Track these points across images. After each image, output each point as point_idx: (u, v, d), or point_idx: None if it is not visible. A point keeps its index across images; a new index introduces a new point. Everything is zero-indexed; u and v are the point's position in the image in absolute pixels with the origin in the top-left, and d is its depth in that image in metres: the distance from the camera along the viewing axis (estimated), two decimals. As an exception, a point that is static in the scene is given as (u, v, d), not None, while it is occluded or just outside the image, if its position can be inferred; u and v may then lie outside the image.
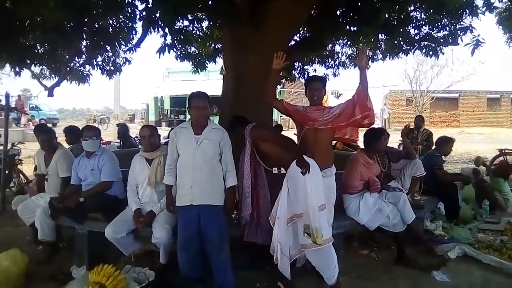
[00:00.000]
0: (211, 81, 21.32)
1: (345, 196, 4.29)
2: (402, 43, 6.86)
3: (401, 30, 6.40)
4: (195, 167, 3.38)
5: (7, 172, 7.07)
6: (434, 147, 6.23)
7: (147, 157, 4.00)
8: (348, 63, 9.45)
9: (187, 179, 3.41)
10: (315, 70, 9.72)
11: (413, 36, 6.78)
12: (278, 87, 17.57)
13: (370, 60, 8.67)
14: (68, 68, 7.64)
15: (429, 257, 4.36)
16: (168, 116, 28.90)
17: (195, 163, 3.38)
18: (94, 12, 5.44)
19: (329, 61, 9.38)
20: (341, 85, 25.18)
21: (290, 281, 3.62)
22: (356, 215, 4.19)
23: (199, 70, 8.45)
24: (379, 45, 7.74)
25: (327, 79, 9.84)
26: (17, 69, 6.75)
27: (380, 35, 6.70)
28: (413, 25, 6.69)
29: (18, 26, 5.58)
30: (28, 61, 6.74)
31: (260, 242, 3.76)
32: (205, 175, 3.39)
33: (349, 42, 8.33)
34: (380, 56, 8.42)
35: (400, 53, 7.24)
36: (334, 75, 9.76)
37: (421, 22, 6.79)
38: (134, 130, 5.41)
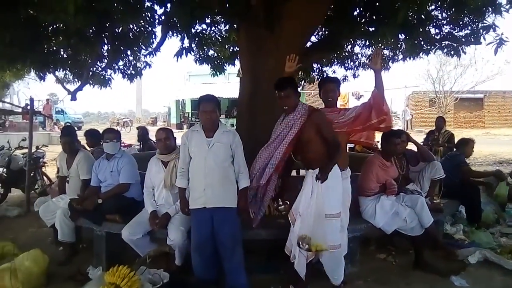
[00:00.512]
0: (231, 83, 21.45)
1: (361, 198, 4.23)
2: (422, 43, 6.72)
3: (421, 29, 6.27)
4: (207, 170, 3.40)
5: (32, 174, 7.29)
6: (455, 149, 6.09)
7: (163, 160, 4.04)
8: (368, 64, 9.34)
9: (200, 182, 3.44)
10: (334, 72, 9.65)
11: (433, 35, 6.63)
12: (298, 89, 17.60)
13: (390, 61, 8.54)
14: (90, 73, 7.81)
15: (448, 262, 4.26)
16: (189, 119, 29.14)
17: (207, 166, 3.40)
18: (115, 17, 5.54)
19: (349, 62, 9.29)
20: (361, 87, 24.87)
21: (304, 283, 3.61)
22: (372, 219, 4.14)
23: (218, 73, 8.50)
24: (399, 45, 7.62)
25: (341, 81, 9.77)
26: (41, 74, 6.96)
27: (399, 35, 6.59)
28: (434, 24, 6.54)
29: (42, 32, 5.75)
30: (52, 66, 6.93)
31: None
32: (218, 177, 3.41)
33: (368, 43, 8.23)
34: (401, 56, 8.29)
35: (421, 53, 7.11)
36: (354, 76, 9.66)
37: (442, 21, 6.64)
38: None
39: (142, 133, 8.99)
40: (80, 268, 4.13)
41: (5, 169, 7.46)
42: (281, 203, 3.68)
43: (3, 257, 4.09)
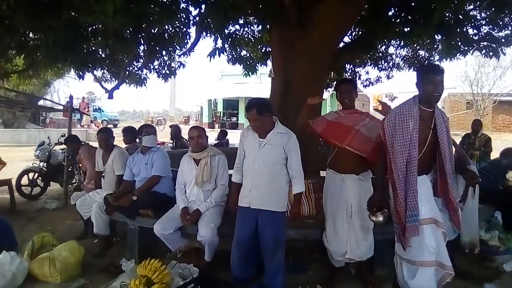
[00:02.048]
0: (263, 84, 21.50)
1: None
2: (459, 43, 6.55)
3: (458, 30, 6.11)
4: (255, 171, 3.40)
5: (69, 169, 7.59)
6: (499, 156, 5.87)
7: (195, 158, 4.13)
8: (403, 64, 9.18)
9: (248, 182, 3.46)
10: (367, 73, 9.56)
11: (471, 36, 6.45)
12: (330, 89, 17.41)
13: (426, 62, 8.36)
14: (127, 72, 8.06)
15: (482, 268, 4.14)
16: (221, 118, 29.46)
17: (256, 167, 3.40)
18: (151, 18, 5.69)
19: (382, 63, 9.17)
20: (395, 88, 24.41)
21: (334, 278, 3.68)
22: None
23: (250, 73, 8.57)
24: (435, 46, 7.45)
25: (374, 82, 9.63)
26: (80, 72, 7.23)
27: (435, 35, 6.44)
28: (472, 24, 6.36)
29: (82, 33, 5.98)
30: (91, 65, 7.20)
31: None
32: (265, 179, 3.38)
33: (403, 43, 8.09)
34: (437, 57, 8.11)
35: (458, 54, 6.92)
36: (388, 77, 9.53)
37: (480, 21, 6.45)
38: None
39: (175, 131, 9.19)
40: (113, 260, 4.28)
41: (45, 164, 7.81)
42: (380, 210, 3.11)
43: (42, 246, 4.28)
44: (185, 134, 9.71)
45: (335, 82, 9.78)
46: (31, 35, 6.30)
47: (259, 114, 3.38)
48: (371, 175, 3.68)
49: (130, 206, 4.26)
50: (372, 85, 9.90)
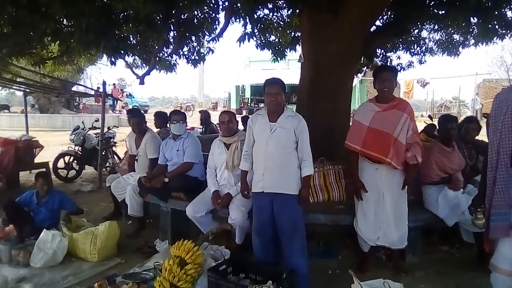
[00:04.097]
0: (291, 69, 21.32)
1: (424, 188, 4.11)
2: (497, 27, 6.28)
3: (496, 12, 5.86)
4: (267, 154, 3.37)
5: (103, 153, 7.83)
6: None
7: (225, 142, 4.17)
8: (436, 49, 8.88)
9: (260, 166, 3.43)
10: (399, 57, 9.30)
11: (509, 18, 6.19)
12: (360, 75, 17.09)
13: (460, 46, 8.07)
14: (157, 58, 8.16)
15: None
16: (249, 104, 29.46)
17: (268, 150, 3.37)
18: (181, 4, 5.72)
19: (415, 47, 8.89)
20: (427, 73, 23.70)
21: (364, 264, 3.67)
22: (434, 209, 4.01)
23: (279, 58, 8.50)
24: (470, 29, 7.18)
25: (406, 67, 9.37)
26: (112, 58, 7.37)
27: (471, 18, 6.21)
28: (510, 6, 6.09)
29: (113, 19, 6.08)
30: (122, 51, 7.32)
31: None
32: (277, 163, 3.35)
33: (437, 27, 7.83)
34: (472, 41, 7.81)
35: (495, 38, 6.65)
36: (420, 62, 9.24)
37: (520, 3, 6.17)
38: (217, 118, 5.68)
39: (205, 116, 9.30)
40: (147, 241, 4.42)
41: (80, 148, 8.08)
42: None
43: (78, 227, 4.47)
44: (214, 120, 9.85)
45: (367, 68, 9.69)
46: (65, 21, 6.45)
47: (283, 89, 3.41)
48: None
49: (162, 189, 4.38)
50: (403, 70, 9.64)
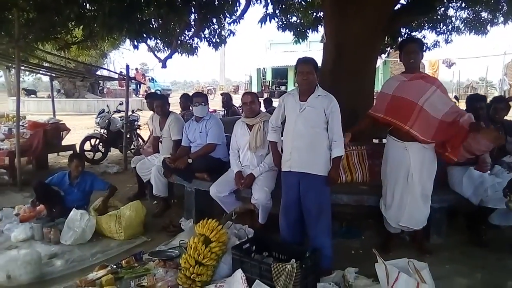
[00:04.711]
0: (313, 51, 20.99)
1: (449, 168, 4.03)
2: (529, 3, 6.05)
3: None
4: (295, 133, 3.36)
5: (128, 135, 7.98)
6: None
7: (248, 123, 4.19)
8: (463, 28, 8.60)
9: (288, 145, 3.42)
10: (424, 37, 9.05)
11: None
12: (383, 56, 16.76)
13: (489, 24, 7.78)
14: (179, 41, 8.19)
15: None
16: (270, 87, 29.37)
17: (296, 129, 3.35)
18: (201, -15, 5.71)
19: (441, 26, 8.63)
20: (454, 53, 22.97)
21: (388, 245, 3.70)
22: (459, 188, 3.94)
23: (300, 40, 8.42)
24: (499, 6, 6.92)
25: (431, 47, 9.12)
26: (135, 42, 7.44)
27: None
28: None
29: (135, 3, 6.12)
30: (144, 35, 7.38)
31: None
32: (305, 142, 3.32)
33: (464, 4, 7.57)
34: (501, 19, 7.53)
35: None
36: (446, 41, 8.98)
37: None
38: (239, 101, 5.73)
39: (226, 99, 9.34)
40: (172, 220, 4.52)
41: (105, 130, 8.26)
42: None
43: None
44: (236, 103, 9.88)
45: (391, 48, 9.47)
46: (88, 6, 6.53)
47: (315, 68, 3.36)
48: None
49: (186, 169, 4.45)
50: (429, 50, 9.41)
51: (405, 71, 3.62)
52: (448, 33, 8.72)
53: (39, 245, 4.00)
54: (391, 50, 10.46)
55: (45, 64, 9.07)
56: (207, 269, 3.11)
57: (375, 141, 5.91)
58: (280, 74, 29.95)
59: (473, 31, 8.32)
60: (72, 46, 8.92)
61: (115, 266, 3.44)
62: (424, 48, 9.05)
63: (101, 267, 3.44)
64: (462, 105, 4.29)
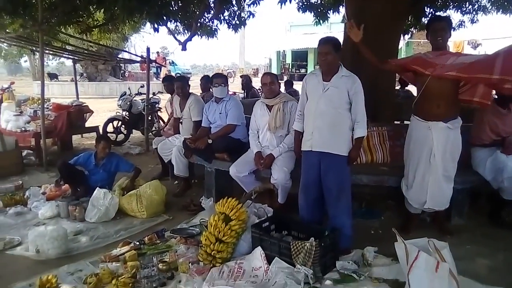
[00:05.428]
0: (334, 33, 20.69)
1: (473, 149, 3.96)
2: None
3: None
4: (317, 113, 3.33)
5: (149, 118, 8.10)
6: None
7: (268, 104, 4.19)
8: (490, 7, 8.30)
9: (310, 125, 3.40)
10: (449, 16, 8.79)
11: None
12: (406, 37, 16.35)
13: None
14: (198, 24, 8.18)
15: None
16: (290, 70, 29.15)
17: (318, 109, 3.32)
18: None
19: (466, 5, 8.34)
20: (479, 34, 22.19)
21: (408, 225, 3.70)
22: (482, 170, 3.87)
23: (321, 21, 8.28)
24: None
25: (457, 27, 8.85)
26: (155, 25, 7.47)
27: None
28: None
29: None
30: (164, 18, 7.40)
31: None
32: (327, 122, 3.29)
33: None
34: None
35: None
36: (472, 21, 8.70)
37: None
38: (258, 84, 5.77)
39: (246, 81, 9.33)
40: (192, 199, 4.60)
41: (127, 113, 8.39)
42: None
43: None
44: (255, 85, 9.87)
45: (414, 28, 9.24)
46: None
47: (334, 49, 3.29)
48: (460, 122, 3.49)
49: (206, 150, 4.50)
50: (453, 30, 9.14)
51: (432, 50, 3.54)
52: (474, 12, 8.44)
53: (65, 222, 4.14)
54: (414, 31, 10.21)
55: (68, 48, 9.21)
56: (227, 246, 3.17)
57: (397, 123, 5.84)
58: (300, 56, 29.67)
59: (501, 10, 8.04)
60: (93, 29, 9.01)
61: (138, 243, 3.53)
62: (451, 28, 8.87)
63: (124, 243, 3.55)
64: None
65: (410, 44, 24.28)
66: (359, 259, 3.16)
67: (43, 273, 2.95)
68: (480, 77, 3.23)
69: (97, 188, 4.37)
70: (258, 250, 3.10)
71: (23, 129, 6.80)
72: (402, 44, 16.55)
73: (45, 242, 3.38)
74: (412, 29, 9.50)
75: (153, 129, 8.44)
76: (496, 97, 4.02)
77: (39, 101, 7.27)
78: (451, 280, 2.42)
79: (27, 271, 3.16)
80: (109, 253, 3.38)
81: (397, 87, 8.37)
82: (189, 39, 8.48)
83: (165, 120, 7.36)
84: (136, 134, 8.89)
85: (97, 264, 3.22)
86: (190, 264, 3.08)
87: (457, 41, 22.33)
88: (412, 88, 5.64)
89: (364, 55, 3.64)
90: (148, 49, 8.35)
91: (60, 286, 2.89)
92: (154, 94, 8.83)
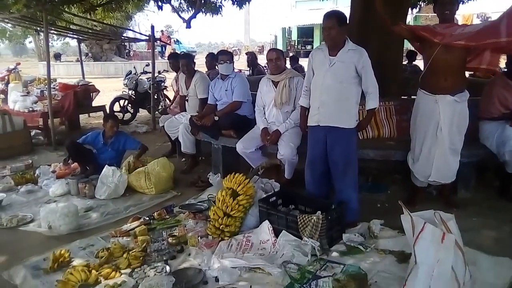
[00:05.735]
0: (339, 8, 20.38)
1: (481, 122, 3.92)
2: None
3: None
4: (323, 88, 3.30)
5: (155, 96, 8.10)
6: None
7: (273, 80, 4.16)
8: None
9: (316, 100, 3.37)
10: (459, -12, 8.60)
11: None
12: (414, 11, 16.03)
13: None
14: (202, 1, 8.09)
15: None
16: (296, 46, 28.86)
17: (324, 84, 3.28)
18: None
19: (476, -23, 8.16)
20: (489, 7, 21.68)
21: (414, 199, 3.73)
22: (488, 143, 3.85)
23: (328, -6, 8.14)
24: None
25: (465, 0, 8.67)
26: (159, 3, 7.41)
27: None
28: None
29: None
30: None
31: None
32: (333, 96, 3.26)
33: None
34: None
35: None
36: (482, -7, 8.51)
37: None
38: (264, 61, 5.73)
39: (252, 58, 9.26)
40: (200, 176, 4.65)
41: (133, 92, 8.40)
42: None
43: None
44: (260, 62, 9.79)
45: (422, 2, 9.07)
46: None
47: (338, 23, 3.21)
48: (468, 96, 3.45)
49: (213, 127, 4.52)
50: (462, 3, 8.96)
51: (440, 23, 3.47)
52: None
53: (75, 200, 4.21)
54: (422, 5, 10.02)
55: (73, 27, 9.16)
56: (235, 220, 3.22)
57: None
58: (305, 33, 29.33)
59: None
60: (97, 8, 8.95)
61: (147, 218, 3.60)
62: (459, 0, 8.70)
63: (134, 219, 3.62)
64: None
65: (418, 18, 23.84)
66: (365, 232, 3.20)
67: (56, 248, 3.03)
68: (489, 43, 3.19)
69: (106, 165, 4.42)
70: (266, 224, 3.15)
71: (30, 109, 6.86)
72: (410, 18, 16.24)
73: (57, 219, 3.45)
74: (420, 2, 9.31)
75: (160, 107, 8.45)
76: (506, 69, 3.97)
77: (46, 82, 7.29)
78: (456, 251, 2.44)
79: (40, 246, 3.24)
80: (120, 228, 3.45)
81: (405, 62, 8.28)
82: (193, 16, 8.43)
83: (171, 98, 7.38)
84: (142, 112, 8.92)
85: (108, 239, 3.30)
86: (199, 238, 3.14)
87: (466, 14, 21.88)
88: (420, 63, 5.59)
89: (378, 10, 3.60)
90: (152, 28, 8.28)
91: (73, 260, 2.97)
92: (159, 72, 8.82)
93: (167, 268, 2.74)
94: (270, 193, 3.55)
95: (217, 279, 2.62)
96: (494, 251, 2.93)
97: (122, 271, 2.77)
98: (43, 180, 4.76)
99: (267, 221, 3.17)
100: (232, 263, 2.74)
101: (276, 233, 3.08)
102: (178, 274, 2.67)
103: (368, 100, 3.33)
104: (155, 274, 2.66)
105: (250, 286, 2.51)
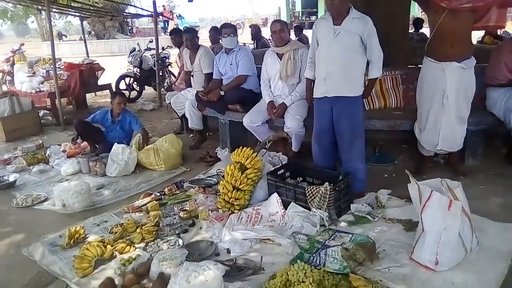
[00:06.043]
0: (345, -24, 19.87)
1: (489, 89, 3.89)
2: None
3: None
4: (329, 58, 3.24)
5: (160, 73, 8.08)
6: None
7: (278, 52, 4.11)
8: None
9: (322, 71, 3.32)
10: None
11: None
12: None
13: None
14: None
15: None
16: (300, 18, 28.33)
17: (330, 54, 3.23)
18: None
19: None
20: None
21: (421, 168, 3.76)
22: (495, 110, 3.83)
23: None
24: None
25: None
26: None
27: None
28: None
29: None
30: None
31: None
32: (340, 67, 3.21)
33: None
34: None
35: None
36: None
37: None
38: (268, 34, 5.67)
39: (255, 31, 9.15)
40: (208, 151, 4.69)
41: (138, 69, 8.38)
42: None
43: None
44: (265, 35, 9.67)
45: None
46: None
47: None
48: (474, 62, 3.41)
49: (219, 102, 4.52)
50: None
51: None
52: None
53: (87, 178, 4.29)
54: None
55: (74, 5, 9.08)
56: (244, 193, 3.27)
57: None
58: (310, 3, 28.71)
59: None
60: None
61: (158, 194, 3.67)
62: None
63: (145, 194, 3.69)
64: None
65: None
66: (373, 202, 3.23)
67: (71, 225, 3.12)
68: None
69: (115, 143, 4.47)
70: (275, 196, 3.20)
71: (37, 89, 6.90)
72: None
73: (70, 197, 3.52)
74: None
75: (165, 84, 8.44)
76: None
77: (51, 62, 7.29)
78: (463, 217, 2.47)
79: (56, 224, 3.34)
80: (132, 204, 3.53)
81: (411, 30, 8.13)
82: (196, -11, 8.27)
83: (176, 75, 7.35)
84: (148, 90, 8.93)
85: (121, 215, 3.38)
86: (209, 211, 3.21)
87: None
88: (427, 31, 5.48)
89: None
90: (154, 3, 8.18)
91: (88, 236, 3.05)
92: (163, 49, 8.75)
93: (180, 241, 2.82)
94: (278, 166, 3.58)
95: (228, 251, 2.69)
96: (502, 217, 2.96)
97: (136, 245, 2.85)
98: (54, 159, 4.84)
99: (275, 193, 3.22)
100: (242, 235, 2.81)
101: (285, 205, 3.13)
102: (191, 246, 2.74)
103: (371, 69, 3.29)
104: (168, 248, 2.73)
105: (261, 257, 2.56)
